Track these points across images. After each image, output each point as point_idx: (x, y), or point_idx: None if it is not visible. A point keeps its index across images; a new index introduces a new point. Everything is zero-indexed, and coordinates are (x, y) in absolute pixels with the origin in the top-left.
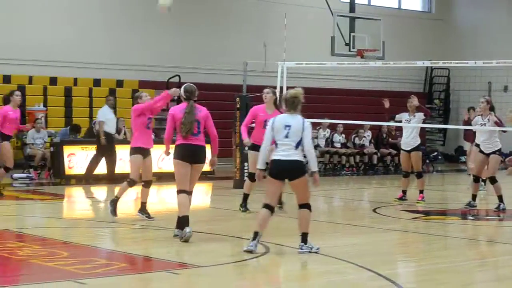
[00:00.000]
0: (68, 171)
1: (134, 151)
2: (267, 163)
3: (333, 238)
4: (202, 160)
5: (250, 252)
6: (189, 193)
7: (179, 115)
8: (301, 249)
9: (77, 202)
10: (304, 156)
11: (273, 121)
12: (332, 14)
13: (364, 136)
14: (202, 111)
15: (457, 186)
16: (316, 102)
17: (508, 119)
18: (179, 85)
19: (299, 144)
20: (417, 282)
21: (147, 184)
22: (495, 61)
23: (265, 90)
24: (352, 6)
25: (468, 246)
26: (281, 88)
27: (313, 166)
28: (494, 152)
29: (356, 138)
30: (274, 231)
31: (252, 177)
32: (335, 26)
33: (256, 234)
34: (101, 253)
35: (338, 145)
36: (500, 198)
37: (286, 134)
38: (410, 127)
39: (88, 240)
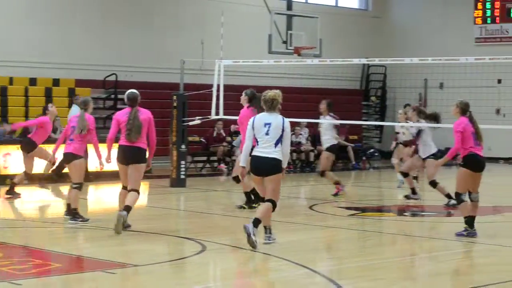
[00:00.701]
0: (3, 171)
1: (81, 157)
2: None
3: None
4: (137, 161)
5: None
6: (133, 190)
7: (123, 118)
8: (268, 240)
9: (13, 202)
10: None
11: (253, 120)
12: (270, 12)
13: (301, 134)
14: (143, 114)
15: (393, 182)
16: None
17: (452, 113)
18: (116, 83)
19: (278, 142)
20: (352, 279)
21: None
22: (430, 58)
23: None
24: (289, 4)
25: (403, 242)
26: (218, 86)
27: (284, 163)
28: (429, 157)
29: (293, 136)
30: (211, 229)
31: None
32: (272, 24)
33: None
34: (37, 254)
35: None
36: (449, 196)
37: (267, 131)
38: (323, 129)
39: (23, 241)
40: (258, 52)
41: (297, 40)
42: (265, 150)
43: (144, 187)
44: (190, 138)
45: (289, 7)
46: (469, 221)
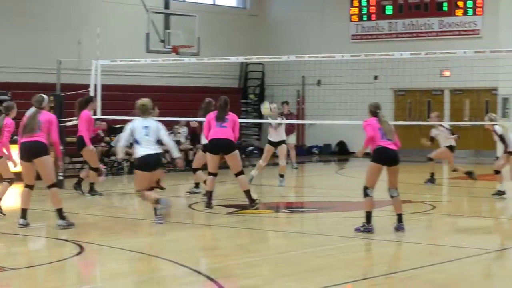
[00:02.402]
0: None
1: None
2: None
3: (149, 235)
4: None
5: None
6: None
7: (24, 119)
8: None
9: None
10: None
11: (133, 125)
12: (147, 10)
13: (179, 132)
14: (44, 115)
15: (273, 179)
16: (131, 99)
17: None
18: None
19: (157, 140)
20: (231, 276)
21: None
22: (307, 56)
23: None
24: (167, 3)
25: (283, 238)
26: (95, 86)
27: (175, 153)
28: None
29: (172, 135)
30: (90, 230)
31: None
32: (150, 22)
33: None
34: None
35: None
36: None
37: (146, 133)
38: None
39: None
40: (136, 51)
41: (175, 38)
42: (149, 147)
43: (20, 188)
44: (67, 139)
45: (167, 5)
46: (368, 216)
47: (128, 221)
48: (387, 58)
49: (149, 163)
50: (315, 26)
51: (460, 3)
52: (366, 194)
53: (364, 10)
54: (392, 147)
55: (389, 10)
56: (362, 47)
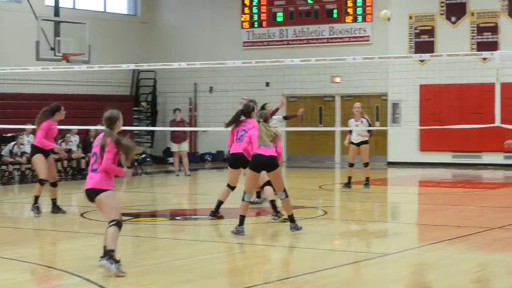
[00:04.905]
0: None
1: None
2: None
3: (42, 245)
4: None
5: None
6: None
7: None
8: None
9: None
10: None
11: None
12: (36, 18)
13: (71, 141)
14: None
15: (166, 187)
16: (22, 107)
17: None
18: None
19: None
20: (124, 285)
21: None
22: (199, 63)
23: None
24: (57, 10)
25: (177, 245)
26: None
27: None
28: None
29: (63, 143)
30: None
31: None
32: (40, 30)
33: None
34: None
35: None
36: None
37: None
38: None
39: None
40: (27, 60)
41: (65, 46)
42: None
43: None
44: None
45: (57, 13)
46: (240, 219)
47: (20, 231)
48: (279, 65)
49: None
50: (206, 33)
51: (350, 10)
52: (242, 198)
53: (255, 17)
54: (266, 153)
55: (280, 17)
56: (254, 54)
